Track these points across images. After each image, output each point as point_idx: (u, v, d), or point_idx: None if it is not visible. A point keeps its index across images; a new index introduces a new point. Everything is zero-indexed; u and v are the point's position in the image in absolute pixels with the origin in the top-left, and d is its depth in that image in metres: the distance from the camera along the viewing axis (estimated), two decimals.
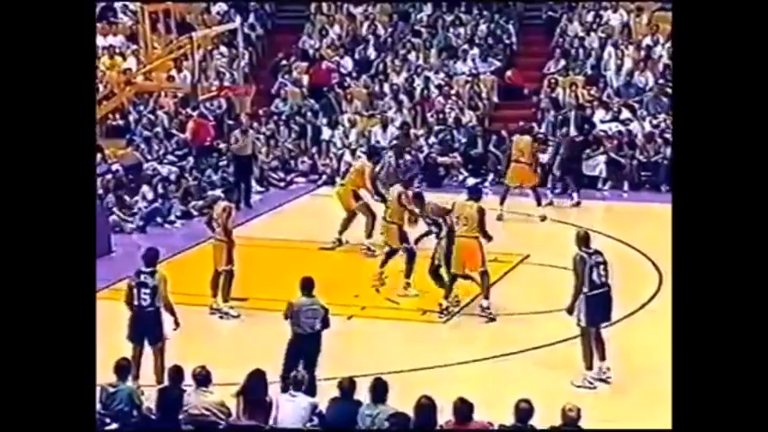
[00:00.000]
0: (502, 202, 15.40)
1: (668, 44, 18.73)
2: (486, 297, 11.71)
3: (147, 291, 9.57)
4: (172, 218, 15.94)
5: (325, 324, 9.38)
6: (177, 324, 9.75)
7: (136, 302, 9.64)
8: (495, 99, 19.72)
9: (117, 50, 20.26)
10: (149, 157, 17.55)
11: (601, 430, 7.99)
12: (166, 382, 8.32)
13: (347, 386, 7.91)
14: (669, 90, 17.64)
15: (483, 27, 20.76)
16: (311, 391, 8.55)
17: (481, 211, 11.67)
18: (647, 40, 19.38)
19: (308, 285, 9.45)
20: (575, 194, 16.47)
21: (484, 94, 19.43)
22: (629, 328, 11.04)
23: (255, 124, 19.21)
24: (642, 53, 19.12)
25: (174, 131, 18.51)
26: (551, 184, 17.11)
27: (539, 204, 15.46)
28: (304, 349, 9.28)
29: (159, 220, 15.84)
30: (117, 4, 21.67)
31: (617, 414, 9.06)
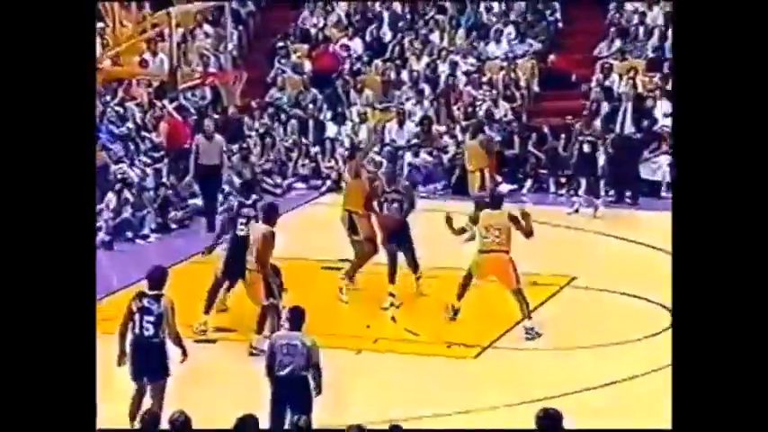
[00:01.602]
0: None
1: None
2: (529, 317, 11.98)
3: (151, 318, 9.57)
4: (145, 231, 16.14)
5: (311, 366, 9.06)
6: (185, 355, 9.83)
7: (137, 331, 9.63)
8: (536, 88, 19.84)
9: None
10: (117, 159, 17.73)
11: (600, 430, 8.66)
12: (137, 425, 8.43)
13: None
14: None
15: (521, 1, 20.89)
16: None
17: (513, 218, 12.06)
18: None
19: (295, 317, 9.29)
20: (599, 203, 16.51)
21: (522, 83, 19.53)
22: None
23: (247, 119, 19.42)
24: None
25: (148, 128, 18.67)
26: (604, 191, 17.22)
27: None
28: (285, 396, 9.12)
29: (129, 234, 16.03)
30: None
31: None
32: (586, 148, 16.54)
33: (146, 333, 9.62)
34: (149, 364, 9.68)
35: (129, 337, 9.82)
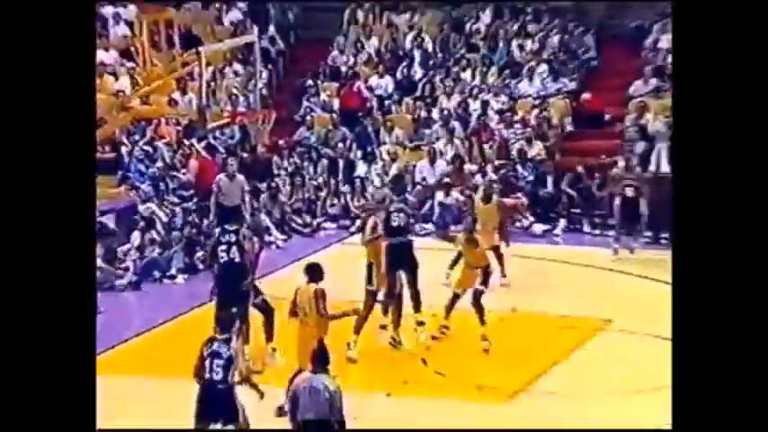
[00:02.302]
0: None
1: None
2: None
3: (221, 362, 9.46)
4: (172, 271, 16.07)
5: (335, 412, 8.73)
6: (261, 396, 9.76)
7: (207, 375, 9.54)
8: (569, 127, 19.72)
9: (108, 68, 20.58)
10: (146, 198, 17.74)
11: (601, 430, 8.97)
12: None
13: None
14: None
15: (554, 39, 20.84)
16: None
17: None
18: None
19: (320, 358, 9.02)
20: (636, 246, 16.30)
21: (555, 121, 19.44)
22: None
23: (276, 158, 19.39)
24: None
25: (176, 167, 18.69)
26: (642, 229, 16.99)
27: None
28: None
29: (157, 274, 15.97)
30: (106, 11, 22.05)
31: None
32: (629, 192, 16.31)
33: (215, 377, 9.51)
34: (219, 408, 9.55)
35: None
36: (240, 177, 16.50)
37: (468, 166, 18.81)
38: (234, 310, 11.31)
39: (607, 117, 19.63)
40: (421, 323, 12.84)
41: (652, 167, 17.82)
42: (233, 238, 12.25)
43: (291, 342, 11.33)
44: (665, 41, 20.08)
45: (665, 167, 17.73)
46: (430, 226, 18.03)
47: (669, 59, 19.88)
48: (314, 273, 11.17)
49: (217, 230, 12.66)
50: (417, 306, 12.85)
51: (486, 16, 21.67)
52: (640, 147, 18.30)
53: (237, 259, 12.17)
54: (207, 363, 9.54)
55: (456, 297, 12.90)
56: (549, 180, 18.29)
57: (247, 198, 16.45)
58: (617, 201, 16.53)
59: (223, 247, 12.24)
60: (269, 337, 12.49)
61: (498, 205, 15.15)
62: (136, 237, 16.21)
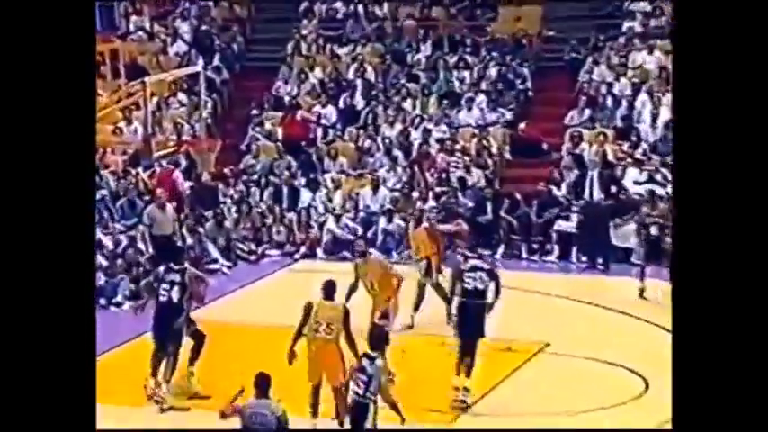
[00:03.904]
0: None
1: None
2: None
3: (364, 378, 9.54)
4: (119, 298, 16.08)
5: None
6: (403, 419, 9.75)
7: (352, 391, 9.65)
8: (508, 156, 20.04)
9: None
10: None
11: (597, 430, 9.06)
12: None
13: None
14: None
15: (492, 70, 21.15)
16: None
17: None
18: None
19: (261, 383, 9.05)
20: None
21: (494, 150, 19.71)
22: None
23: (221, 185, 19.47)
24: None
25: (120, 195, 18.61)
26: (576, 257, 17.40)
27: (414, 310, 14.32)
28: None
29: (103, 301, 15.95)
30: None
31: None
32: (654, 230, 15.75)
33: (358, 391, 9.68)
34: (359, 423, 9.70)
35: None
36: (170, 207, 16.60)
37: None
38: (169, 348, 11.75)
39: (544, 146, 19.95)
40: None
41: (586, 195, 18.20)
42: (177, 278, 12.17)
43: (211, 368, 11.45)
44: (597, 74, 20.56)
45: (598, 195, 18.14)
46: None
47: (602, 90, 20.37)
48: (331, 290, 11.14)
49: (161, 268, 12.46)
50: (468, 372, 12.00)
51: (426, 48, 21.96)
52: (574, 175, 18.67)
53: (176, 299, 12.11)
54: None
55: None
56: (489, 207, 18.50)
57: (179, 227, 16.54)
58: (641, 240, 15.97)
59: (165, 285, 12.16)
60: (192, 361, 12.47)
61: (428, 231, 14.83)
62: None
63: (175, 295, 12.15)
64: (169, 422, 11.77)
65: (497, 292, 12.07)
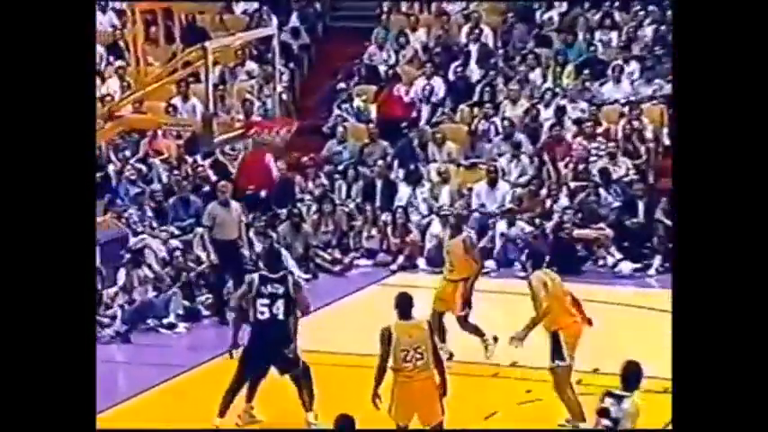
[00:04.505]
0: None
1: None
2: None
3: None
4: (171, 319, 16.23)
5: None
6: None
7: None
8: (666, 141, 19.78)
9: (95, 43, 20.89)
10: (138, 228, 17.94)
11: (603, 430, 9.68)
12: None
13: None
14: None
15: (647, 30, 20.93)
16: None
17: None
18: None
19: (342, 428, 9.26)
20: None
21: (648, 134, 19.51)
22: None
23: (299, 178, 19.56)
24: None
25: (175, 189, 18.86)
26: None
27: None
28: None
29: (152, 322, 16.12)
30: None
31: None
32: None
33: None
34: None
35: None
36: (236, 205, 16.69)
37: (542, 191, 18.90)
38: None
39: None
40: None
41: None
42: (279, 290, 12.29)
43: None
44: None
45: None
46: (491, 263, 18.13)
47: None
48: (408, 306, 11.16)
49: (254, 277, 12.51)
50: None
51: (561, 3, 21.79)
52: None
53: (281, 316, 12.21)
54: None
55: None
56: (641, 207, 18.30)
57: (246, 230, 16.67)
58: None
59: (264, 300, 12.24)
60: (309, 407, 12.50)
61: (466, 242, 14.34)
62: (122, 276, 16.31)
63: (280, 310, 12.24)
64: (169, 422, 12.10)
65: None
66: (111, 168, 19.34)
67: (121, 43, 21.31)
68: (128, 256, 16.67)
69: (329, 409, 12.40)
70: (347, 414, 9.32)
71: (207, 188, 18.61)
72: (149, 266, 16.62)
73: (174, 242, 17.75)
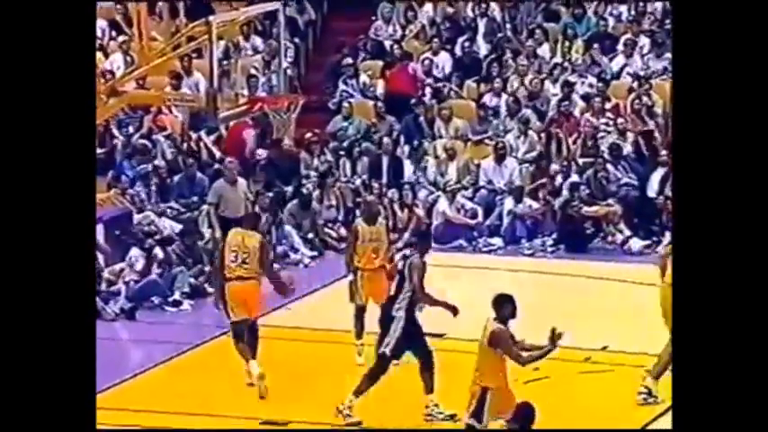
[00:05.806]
0: None
1: None
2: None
3: None
4: (176, 296, 16.25)
5: None
6: None
7: None
8: None
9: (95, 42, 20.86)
10: (142, 206, 17.95)
11: (599, 430, 10.17)
12: None
13: None
14: None
15: (658, 4, 20.85)
16: None
17: None
18: None
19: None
20: None
21: (658, 109, 19.47)
22: None
23: (304, 155, 19.55)
24: None
25: (180, 166, 18.87)
26: None
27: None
28: None
29: (156, 300, 16.14)
30: None
31: None
32: None
33: None
34: None
35: None
36: (242, 182, 16.74)
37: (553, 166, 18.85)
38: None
39: None
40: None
41: None
42: None
43: None
44: None
45: None
46: (498, 240, 18.12)
47: None
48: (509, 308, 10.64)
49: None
50: None
51: None
52: None
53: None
54: None
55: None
56: (652, 183, 18.30)
57: (251, 207, 16.68)
58: None
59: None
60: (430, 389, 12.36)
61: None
62: (137, 255, 16.33)
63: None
64: (174, 399, 12.27)
65: None
66: (116, 143, 19.36)
67: (124, 17, 21.20)
68: (146, 239, 16.74)
69: (331, 389, 12.43)
70: (528, 402, 9.60)
71: (213, 166, 18.67)
72: (157, 244, 16.65)
73: (175, 224, 17.77)
